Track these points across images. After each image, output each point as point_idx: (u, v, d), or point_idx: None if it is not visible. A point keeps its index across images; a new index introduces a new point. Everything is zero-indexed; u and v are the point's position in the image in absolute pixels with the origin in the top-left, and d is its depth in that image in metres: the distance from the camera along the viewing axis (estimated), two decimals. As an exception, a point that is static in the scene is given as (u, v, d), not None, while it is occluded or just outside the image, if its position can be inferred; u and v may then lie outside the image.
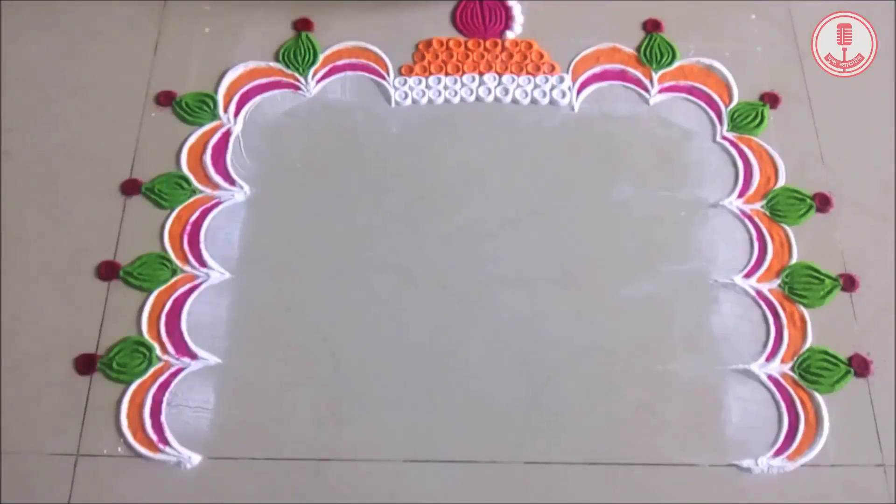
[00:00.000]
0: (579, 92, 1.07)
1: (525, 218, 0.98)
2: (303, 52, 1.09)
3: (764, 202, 1.00)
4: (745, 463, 0.85)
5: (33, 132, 1.04)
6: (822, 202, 0.99)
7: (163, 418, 0.86)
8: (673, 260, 0.96)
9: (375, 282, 0.94)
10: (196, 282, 0.94)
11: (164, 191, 0.99)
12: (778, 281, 0.95)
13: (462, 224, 0.98)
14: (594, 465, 0.85)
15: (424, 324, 0.92)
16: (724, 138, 1.04)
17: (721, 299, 0.94)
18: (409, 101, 1.07)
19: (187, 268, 0.94)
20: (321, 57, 1.09)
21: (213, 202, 0.99)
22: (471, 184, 1.01)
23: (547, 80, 1.08)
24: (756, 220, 0.98)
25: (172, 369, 0.89)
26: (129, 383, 0.88)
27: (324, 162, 1.02)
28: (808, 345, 0.91)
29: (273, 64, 1.09)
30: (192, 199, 0.99)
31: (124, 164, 1.01)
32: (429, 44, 1.11)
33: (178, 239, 0.96)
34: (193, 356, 0.89)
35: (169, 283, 0.93)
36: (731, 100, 1.07)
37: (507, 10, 1.14)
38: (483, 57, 1.10)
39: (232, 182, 1.00)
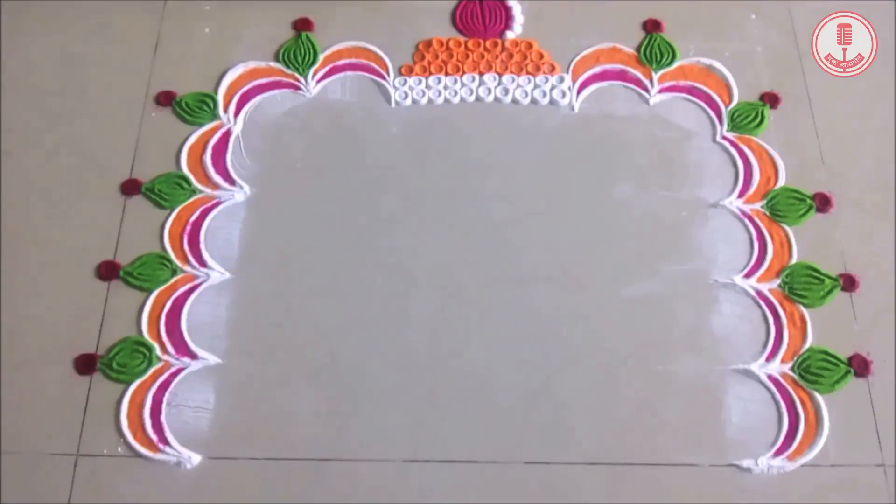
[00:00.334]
0: (579, 92, 1.07)
1: (525, 218, 0.98)
2: (303, 52, 1.09)
3: (764, 202, 1.00)
4: (745, 463, 0.85)
5: (33, 132, 1.04)
6: (822, 202, 0.99)
7: (163, 418, 0.86)
8: (673, 260, 0.96)
9: (375, 281, 0.94)
10: (196, 282, 0.94)
11: (164, 191, 0.99)
12: (778, 281, 0.95)
13: (462, 224, 0.98)
14: (594, 465, 0.85)
15: (424, 324, 0.92)
16: (724, 138, 1.04)
17: (721, 299, 0.94)
18: (409, 101, 1.07)
19: (187, 268, 0.94)
20: (321, 57, 1.09)
21: (213, 202, 0.99)
22: (471, 184, 1.01)
23: (547, 80, 1.08)
24: (756, 220, 0.98)
25: (172, 369, 0.89)
26: (129, 383, 0.88)
27: (324, 162, 1.02)
28: (808, 345, 0.91)
29: (273, 64, 1.09)
30: (192, 199, 0.99)
31: (124, 164, 1.01)
32: (429, 44, 1.11)
33: (178, 239, 0.96)
34: (193, 356, 0.89)
35: (169, 283, 0.93)
36: (731, 100, 1.07)
37: (507, 10, 1.14)
38: (483, 57, 1.10)
39: (232, 182, 1.00)
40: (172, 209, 0.98)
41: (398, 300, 0.93)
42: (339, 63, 1.09)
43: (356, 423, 0.86)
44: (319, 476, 0.84)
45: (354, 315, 0.92)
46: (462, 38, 1.12)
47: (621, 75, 1.09)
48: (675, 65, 1.09)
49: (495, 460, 0.85)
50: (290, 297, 0.93)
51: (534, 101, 1.07)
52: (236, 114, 1.05)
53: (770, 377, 0.89)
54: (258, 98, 1.07)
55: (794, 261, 0.96)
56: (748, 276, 0.95)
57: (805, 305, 0.93)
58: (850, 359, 0.90)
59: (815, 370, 0.89)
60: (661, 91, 1.08)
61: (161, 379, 0.88)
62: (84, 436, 0.85)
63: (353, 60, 1.10)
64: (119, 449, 0.85)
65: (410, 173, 1.02)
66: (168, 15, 1.13)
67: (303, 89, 1.07)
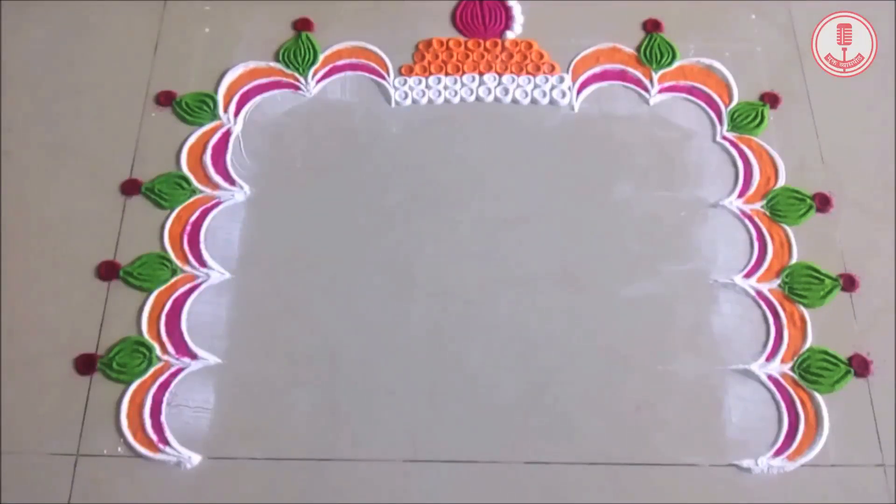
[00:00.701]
0: (579, 92, 1.07)
1: (525, 218, 0.98)
2: (303, 52, 1.09)
3: (764, 202, 1.00)
4: (745, 463, 0.85)
5: (33, 132, 1.04)
6: (822, 202, 0.99)
7: (163, 418, 0.86)
8: (673, 260, 0.96)
9: (375, 281, 0.94)
10: (196, 282, 0.94)
11: (164, 191, 0.99)
12: (778, 281, 0.95)
13: (462, 224, 0.98)
14: (594, 465, 0.85)
15: (424, 323, 0.92)
16: (724, 138, 1.04)
17: (721, 299, 0.94)
18: (409, 101, 1.07)
19: (187, 268, 0.94)
20: (321, 57, 1.09)
21: (213, 202, 0.99)
22: (471, 184, 1.01)
23: (547, 80, 1.08)
24: (756, 220, 0.98)
25: (172, 369, 0.89)
26: (129, 383, 0.88)
27: (324, 162, 1.02)
28: (808, 345, 0.91)
29: (273, 64, 1.09)
30: (192, 199, 0.99)
31: (124, 164, 1.01)
32: (429, 44, 1.11)
33: (178, 239, 0.96)
34: (193, 356, 0.89)
35: (169, 283, 0.93)
36: (731, 100, 1.07)
37: (507, 10, 1.14)
38: (483, 57, 1.10)
39: (232, 182, 1.00)
40: (172, 209, 0.98)
41: (398, 300, 0.93)
42: (339, 63, 1.09)
43: (356, 423, 0.86)
44: (319, 476, 0.84)
45: (354, 315, 0.92)
46: (462, 38, 1.12)
47: (621, 75, 1.09)
48: (675, 65, 1.09)
49: (495, 460, 0.85)
50: (290, 297, 0.93)
51: (534, 101, 1.07)
52: (236, 114, 1.05)
53: (770, 377, 0.89)
54: (258, 98, 1.07)
55: (794, 261, 0.96)
56: (748, 276, 0.95)
57: (805, 305, 0.93)
58: (850, 359, 0.90)
59: (815, 370, 0.89)
60: (661, 91, 1.08)
61: (161, 379, 0.88)
62: (84, 436, 0.85)
63: (353, 60, 1.10)
64: (119, 449, 0.85)
65: (410, 173, 1.01)
66: (168, 15, 1.13)
67: (303, 89, 1.07)
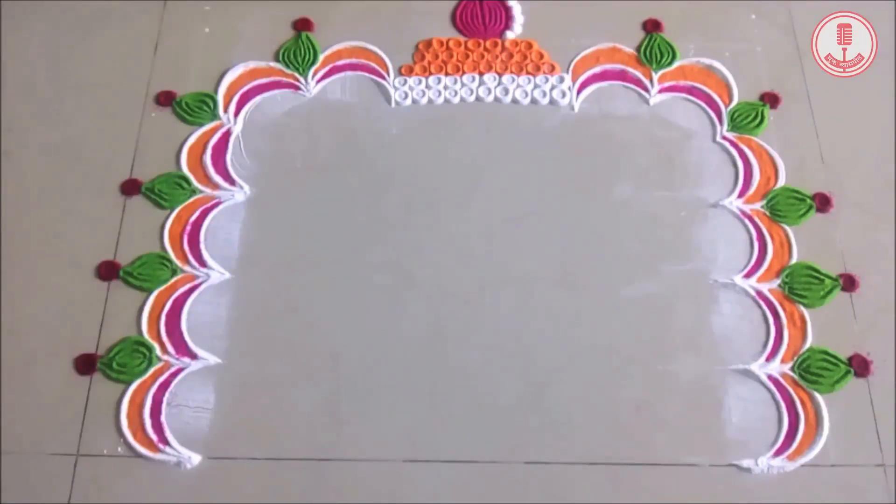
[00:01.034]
0: (579, 92, 1.07)
1: (525, 218, 0.98)
2: (303, 52, 1.09)
3: (764, 202, 1.00)
4: (745, 463, 0.85)
5: (33, 132, 1.04)
6: (822, 202, 0.99)
7: (163, 418, 0.86)
8: (673, 260, 0.96)
9: (375, 281, 0.94)
10: (196, 282, 0.94)
11: (164, 191, 0.99)
12: (778, 281, 0.95)
13: (462, 224, 0.98)
14: (594, 465, 0.85)
15: (424, 323, 0.92)
16: (724, 138, 1.04)
17: (721, 299, 0.94)
18: (409, 101, 1.07)
19: (187, 268, 0.94)
20: (321, 57, 1.09)
21: (213, 202, 0.99)
22: (471, 184, 1.01)
23: (547, 80, 1.08)
24: (756, 220, 0.98)
25: (172, 369, 0.89)
26: (129, 383, 0.88)
27: (324, 162, 1.02)
28: (808, 345, 0.91)
29: (273, 64, 1.09)
30: (192, 199, 0.99)
31: (124, 164, 1.01)
32: (429, 44, 1.11)
33: (178, 239, 0.96)
34: (193, 356, 0.89)
35: (169, 283, 0.93)
36: (731, 100, 1.07)
37: (507, 10, 1.14)
38: (483, 57, 1.10)
39: (232, 182, 1.00)
40: (172, 209, 0.98)
41: (398, 300, 0.93)
42: (339, 63, 1.09)
43: (356, 423, 0.86)
44: (319, 476, 0.84)
45: (354, 315, 0.92)
46: (462, 38, 1.12)
47: (621, 75, 1.09)
48: (675, 65, 1.09)
49: (495, 460, 0.85)
50: (290, 297, 0.93)
51: (534, 101, 1.07)
52: (236, 114, 1.05)
53: (770, 377, 0.89)
54: (258, 98, 1.07)
55: (794, 261, 0.96)
56: (748, 276, 0.95)
57: (805, 305, 0.93)
58: (850, 359, 0.90)
59: (815, 370, 0.89)
60: (661, 91, 1.08)
61: (161, 379, 0.88)
62: (84, 436, 0.85)
63: (353, 60, 1.10)
64: (119, 449, 0.85)
65: (410, 173, 1.02)
66: (168, 15, 1.13)
67: (303, 89, 1.07)
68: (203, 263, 0.95)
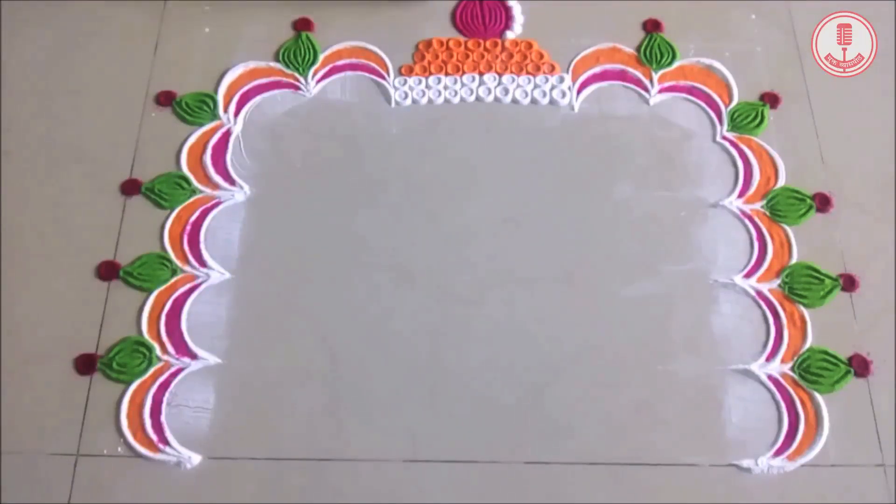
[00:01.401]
0: (579, 92, 1.07)
1: (525, 218, 0.98)
2: (303, 52, 1.09)
3: (764, 202, 1.00)
4: (745, 463, 0.85)
5: (33, 132, 1.04)
6: (822, 202, 0.99)
7: (163, 418, 0.86)
8: (673, 260, 0.96)
9: (375, 281, 0.94)
10: (196, 282, 0.94)
11: (164, 191, 0.99)
12: (778, 281, 0.95)
13: (462, 224, 0.98)
14: (594, 465, 0.85)
15: (424, 324, 0.92)
16: (724, 138, 1.04)
17: (721, 299, 0.94)
18: (409, 101, 1.07)
19: (187, 268, 0.94)
20: (321, 57, 1.09)
21: (213, 202, 0.99)
22: (471, 184, 1.01)
23: (547, 80, 1.08)
24: (756, 220, 0.98)
25: (172, 369, 0.89)
26: (129, 383, 0.88)
27: (324, 162, 1.02)
28: (808, 345, 0.91)
29: (273, 64, 1.09)
30: (192, 199, 0.99)
31: (124, 164, 1.01)
32: (429, 44, 1.11)
33: (178, 239, 0.96)
34: (193, 356, 0.89)
35: (169, 283, 0.93)
36: (731, 100, 1.07)
37: (507, 10, 1.14)
38: (483, 57, 1.10)
39: (232, 182, 1.00)
40: (172, 209, 0.98)
41: (398, 300, 0.93)
42: (339, 63, 1.09)
43: (356, 423, 0.86)
44: (319, 476, 0.84)
45: (354, 315, 0.92)
46: (462, 38, 1.12)
47: (621, 75, 1.09)
48: (675, 65, 1.09)
49: (495, 460, 0.85)
50: (290, 297, 0.93)
51: (534, 101, 1.07)
52: (236, 114, 1.05)
53: (770, 377, 0.89)
54: (258, 98, 1.07)
55: (794, 261, 0.96)
56: (748, 276, 0.95)
57: (805, 305, 0.93)
58: (850, 359, 0.90)
59: (815, 370, 0.89)
60: (661, 91, 1.08)
61: (161, 379, 0.88)
62: (84, 436, 0.85)
63: (353, 60, 1.10)
64: (119, 449, 0.85)
65: (410, 173, 1.02)
66: (168, 15, 1.13)
67: (303, 89, 1.07)
68: (203, 263, 0.95)
